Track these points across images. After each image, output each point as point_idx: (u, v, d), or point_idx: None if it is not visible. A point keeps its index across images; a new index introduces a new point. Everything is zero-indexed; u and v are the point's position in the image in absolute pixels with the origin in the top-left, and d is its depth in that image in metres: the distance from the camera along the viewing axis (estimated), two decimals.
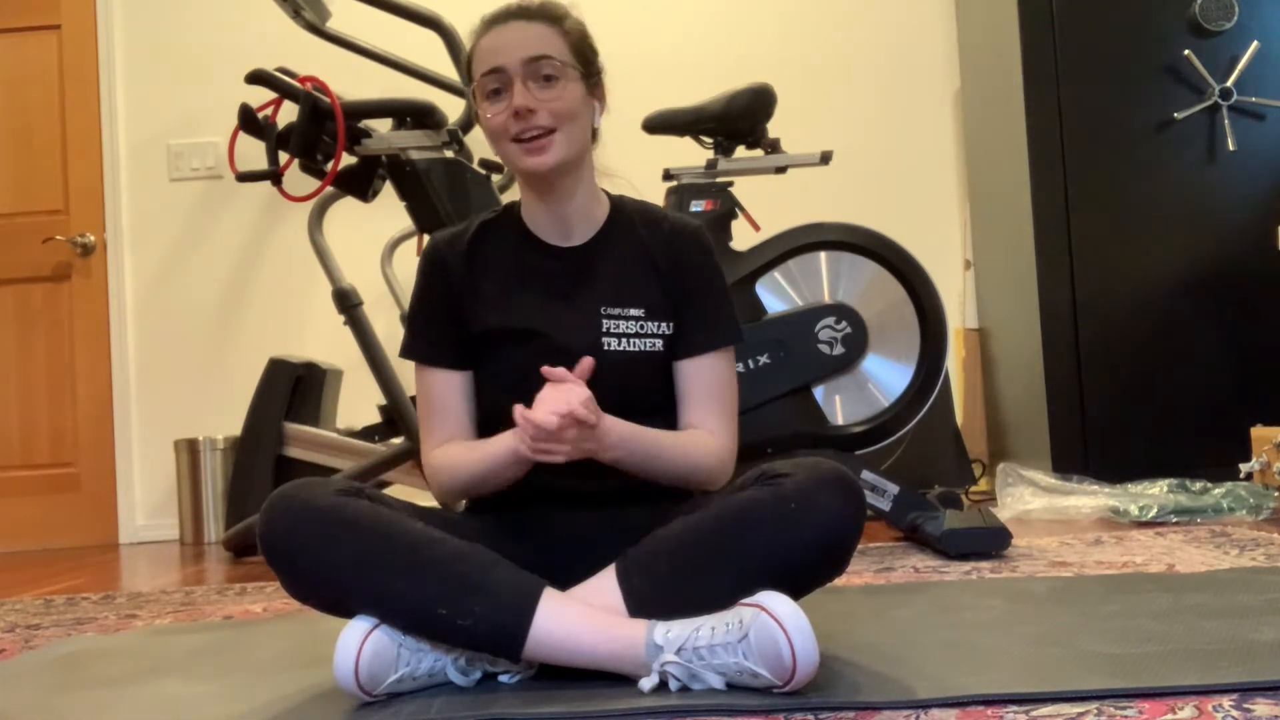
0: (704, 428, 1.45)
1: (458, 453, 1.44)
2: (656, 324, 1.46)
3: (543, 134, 1.40)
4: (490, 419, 1.47)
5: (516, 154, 1.42)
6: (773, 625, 1.12)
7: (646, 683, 1.18)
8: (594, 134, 1.54)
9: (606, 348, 1.43)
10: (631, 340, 1.45)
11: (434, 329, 1.48)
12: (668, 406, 1.48)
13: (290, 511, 1.26)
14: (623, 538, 1.33)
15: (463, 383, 1.49)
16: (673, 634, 1.18)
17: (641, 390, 1.45)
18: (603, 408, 1.33)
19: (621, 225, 1.52)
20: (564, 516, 1.43)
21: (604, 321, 1.45)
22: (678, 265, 1.49)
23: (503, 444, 1.37)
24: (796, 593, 1.23)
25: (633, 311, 1.46)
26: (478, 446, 1.43)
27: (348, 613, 1.25)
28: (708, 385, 1.47)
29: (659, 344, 1.46)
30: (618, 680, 1.21)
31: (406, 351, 1.50)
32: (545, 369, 1.31)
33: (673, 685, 1.17)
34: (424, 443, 1.50)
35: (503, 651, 1.22)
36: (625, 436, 1.35)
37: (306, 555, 1.24)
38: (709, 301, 1.49)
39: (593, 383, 1.34)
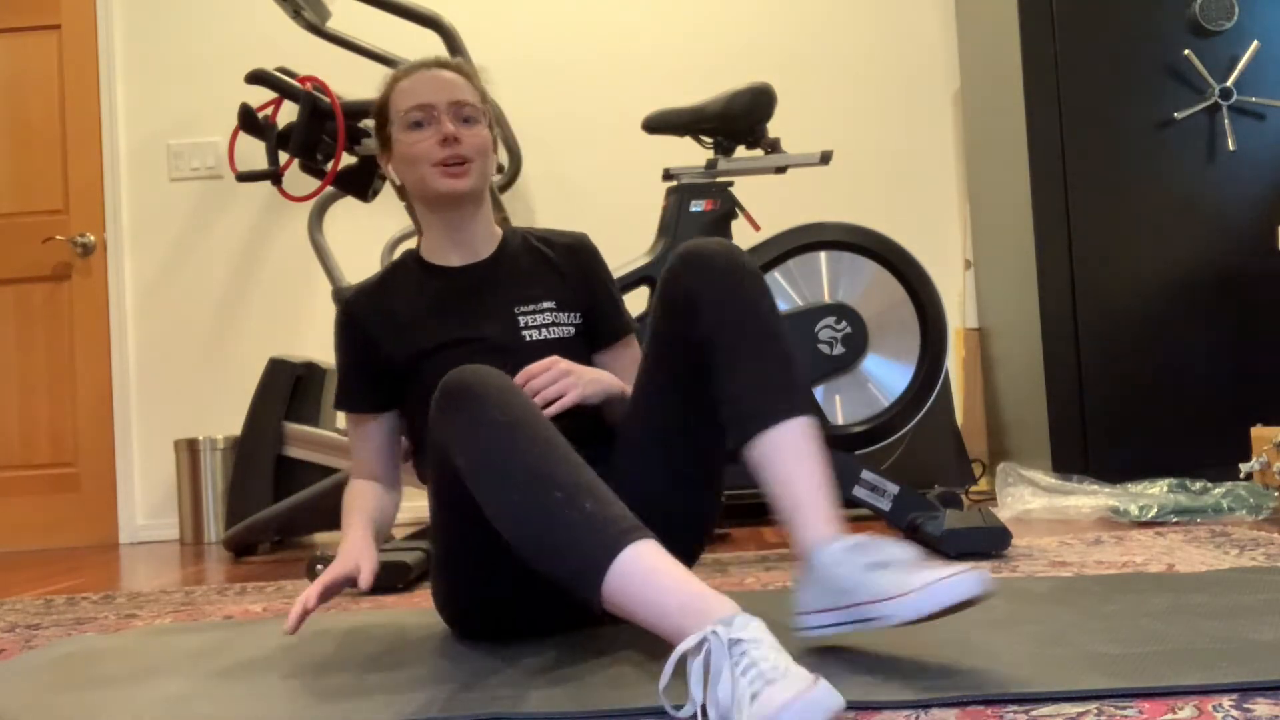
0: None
1: (352, 501, 1.62)
2: (568, 314, 1.64)
3: (463, 162, 1.59)
4: (424, 432, 1.55)
5: (437, 177, 1.58)
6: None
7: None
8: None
9: (528, 339, 1.60)
10: (549, 329, 1.62)
11: (358, 381, 1.65)
12: None
13: (481, 373, 1.31)
14: None
15: (388, 423, 1.67)
16: (752, 628, 1.04)
17: None
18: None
19: (519, 240, 1.71)
20: None
21: (520, 317, 1.62)
22: (577, 268, 1.68)
23: (350, 542, 1.52)
24: None
25: (545, 305, 1.63)
26: (352, 514, 1.59)
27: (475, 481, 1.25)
28: (622, 373, 1.67)
29: (572, 330, 1.64)
30: (618, 681, 1.21)
31: (338, 404, 1.66)
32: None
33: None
34: (353, 468, 1.69)
35: (592, 565, 1.13)
36: (597, 381, 1.54)
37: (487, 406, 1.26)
38: (608, 291, 1.70)
39: (522, 365, 1.53)
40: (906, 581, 1.16)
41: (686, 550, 1.51)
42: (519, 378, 1.48)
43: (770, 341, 1.34)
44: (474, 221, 1.66)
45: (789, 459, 1.28)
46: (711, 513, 1.56)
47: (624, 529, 1.15)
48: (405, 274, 1.68)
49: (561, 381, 1.49)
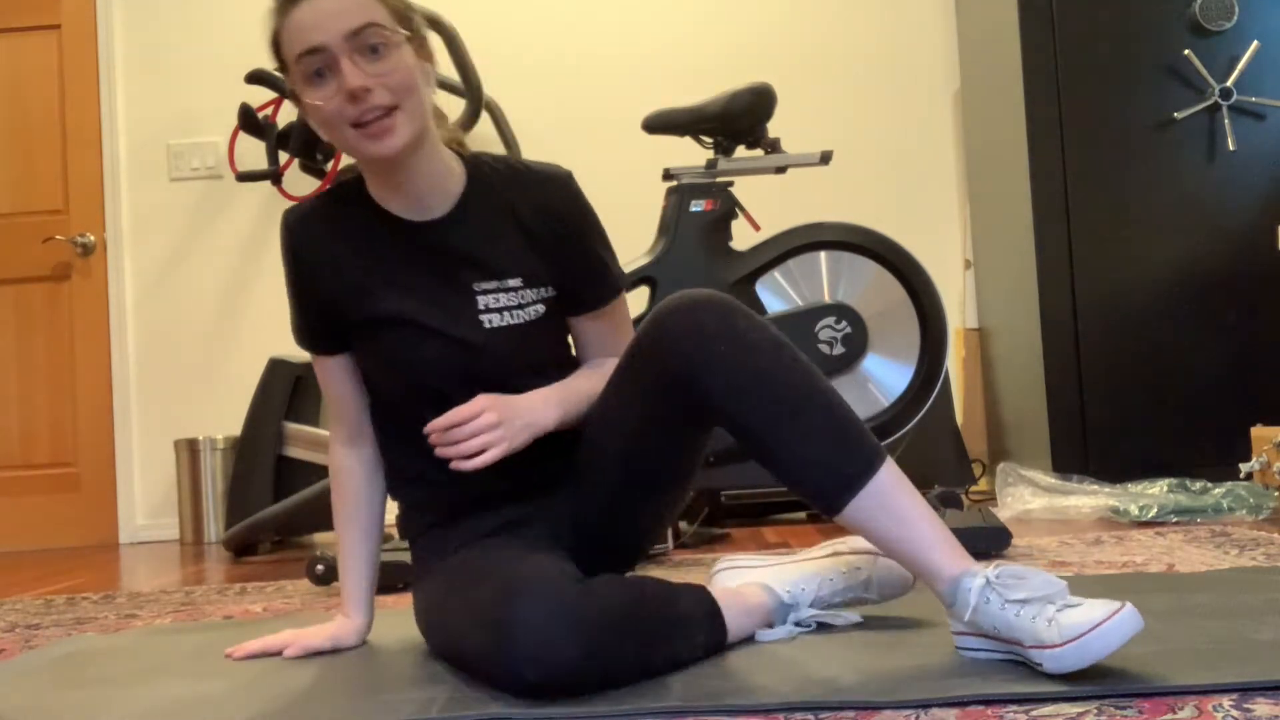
0: (612, 355, 1.47)
1: (340, 508, 1.53)
2: (536, 290, 1.42)
3: (384, 114, 1.29)
4: (378, 406, 1.50)
5: (358, 140, 1.30)
6: (891, 564, 1.41)
7: (781, 631, 1.37)
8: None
9: (487, 325, 1.39)
10: (513, 313, 1.40)
11: (308, 315, 1.47)
12: (562, 358, 1.50)
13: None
14: (551, 486, 1.43)
15: (348, 365, 1.49)
16: (804, 591, 1.40)
17: (533, 356, 1.43)
18: (493, 380, 1.37)
19: (481, 190, 1.42)
20: (498, 509, 1.46)
21: (479, 299, 1.40)
22: (548, 220, 1.41)
23: (346, 614, 1.53)
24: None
25: (510, 282, 1.40)
26: (345, 530, 1.52)
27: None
28: (603, 334, 1.49)
29: (541, 308, 1.42)
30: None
31: (295, 336, 1.51)
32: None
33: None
34: (330, 432, 1.54)
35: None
36: (553, 399, 1.37)
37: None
38: (589, 255, 1.44)
39: (481, 360, 1.39)
40: (1058, 628, 1.08)
41: (620, 567, 1.47)
42: (439, 423, 1.29)
43: (805, 401, 1.22)
44: (420, 174, 1.38)
45: (884, 519, 1.20)
46: (650, 535, 1.49)
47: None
48: (353, 209, 1.43)
49: (485, 435, 1.29)
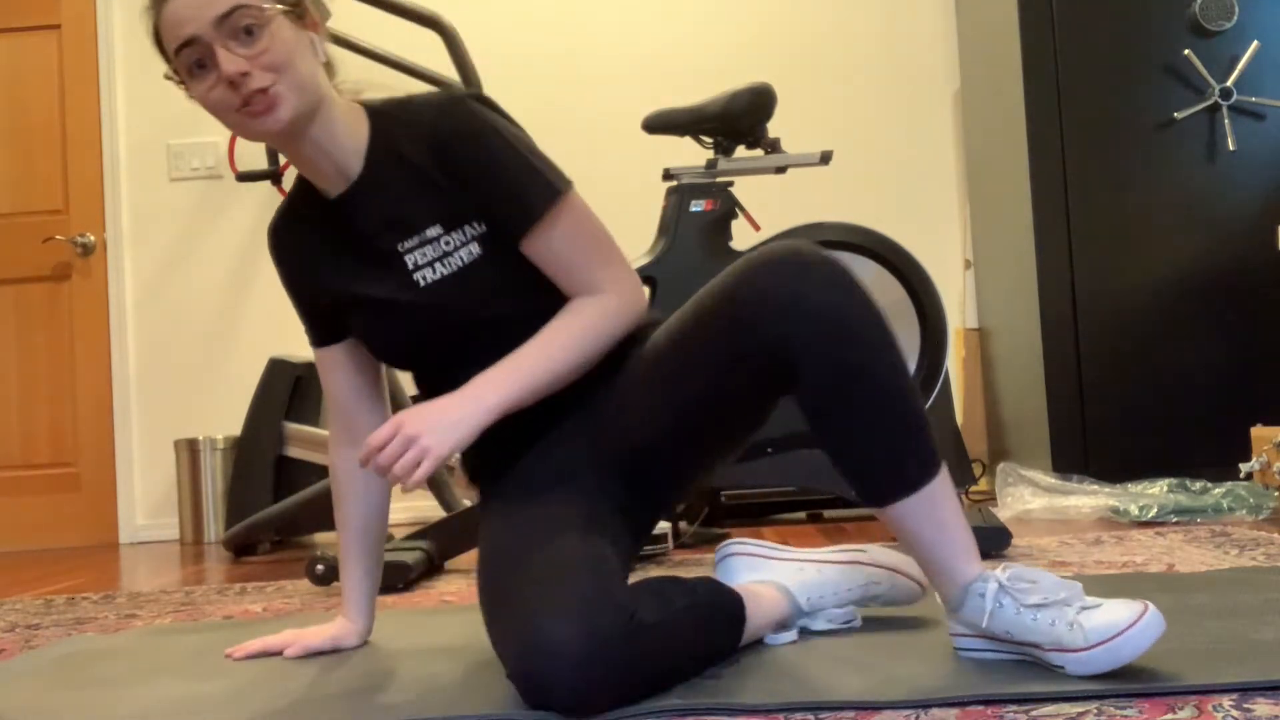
0: (583, 292, 1.35)
1: (340, 506, 1.54)
2: (460, 232, 1.34)
3: (263, 92, 1.26)
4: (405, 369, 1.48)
5: (246, 122, 1.28)
6: (908, 583, 1.44)
7: (790, 635, 1.37)
8: (329, 66, 1.38)
9: (423, 283, 1.35)
10: (443, 262, 1.34)
11: (301, 310, 1.50)
12: (533, 289, 1.37)
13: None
14: (595, 418, 1.37)
15: (341, 358, 1.50)
16: (823, 599, 1.41)
17: (490, 298, 1.35)
18: (459, 334, 1.35)
19: (385, 144, 1.37)
20: (540, 448, 1.41)
21: (406, 259, 1.35)
22: (443, 154, 1.34)
23: (345, 616, 1.54)
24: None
25: (429, 233, 1.35)
26: (344, 532, 1.54)
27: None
28: (561, 254, 1.34)
29: (475, 249, 1.34)
30: None
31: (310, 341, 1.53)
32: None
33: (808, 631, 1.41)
34: (330, 433, 1.56)
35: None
36: (491, 384, 1.26)
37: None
38: (500, 172, 1.33)
39: (431, 318, 1.35)
40: (1082, 631, 1.09)
41: (658, 512, 1.41)
42: (362, 455, 1.22)
43: (889, 402, 1.17)
44: (323, 143, 1.34)
45: (925, 523, 1.19)
46: (688, 488, 1.41)
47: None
48: (308, 201, 1.43)
49: (409, 453, 1.20)
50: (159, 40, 1.31)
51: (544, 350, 1.30)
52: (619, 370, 1.37)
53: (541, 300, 1.36)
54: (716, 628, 1.26)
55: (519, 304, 1.36)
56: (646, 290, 2.88)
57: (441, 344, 1.38)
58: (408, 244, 1.36)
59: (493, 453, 1.43)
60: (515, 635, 1.10)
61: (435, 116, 1.34)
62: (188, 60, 1.27)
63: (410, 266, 1.36)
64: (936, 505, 1.19)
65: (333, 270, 1.41)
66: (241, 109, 1.27)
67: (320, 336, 1.50)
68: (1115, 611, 1.08)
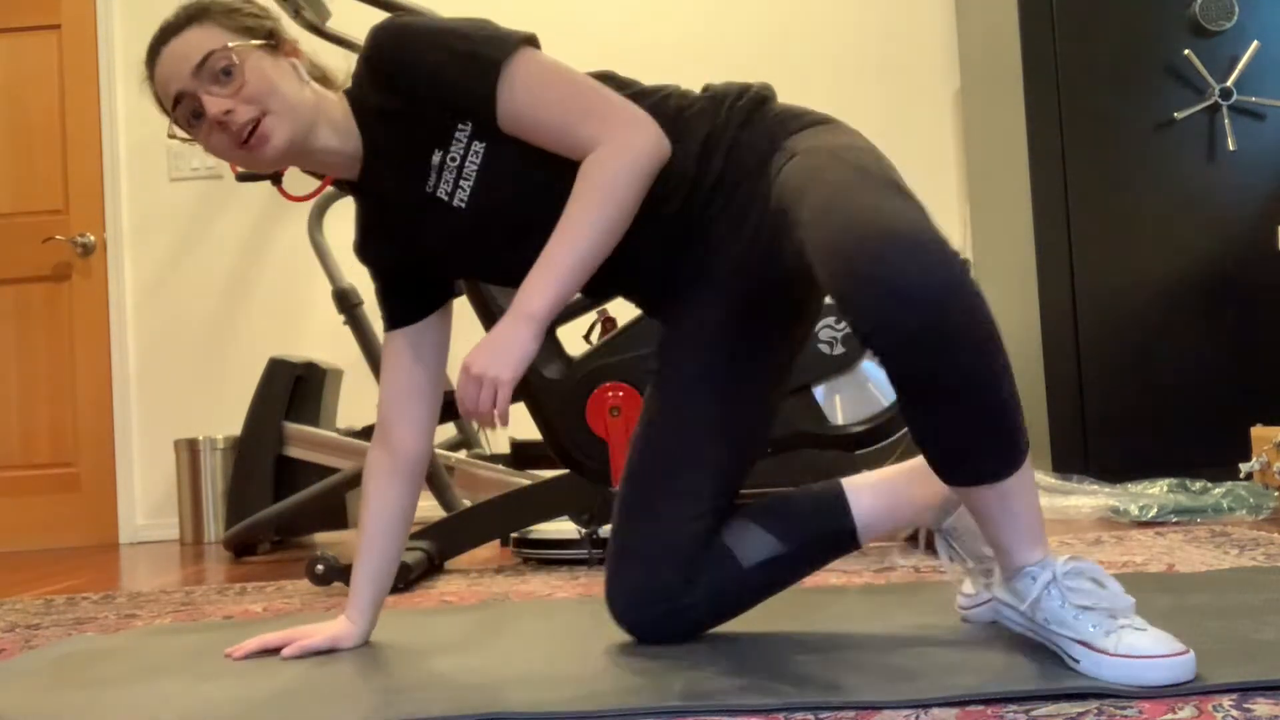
0: (581, 153, 1.32)
1: (362, 504, 1.57)
2: (456, 142, 1.37)
3: (254, 124, 1.33)
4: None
5: (248, 157, 1.36)
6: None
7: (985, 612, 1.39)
8: (326, 78, 1.46)
9: (464, 206, 1.38)
10: (464, 177, 1.38)
11: (384, 287, 1.54)
12: (562, 164, 1.34)
13: None
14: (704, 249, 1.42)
15: (401, 345, 1.52)
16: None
17: (525, 179, 1.37)
18: (519, 226, 1.38)
19: (360, 110, 1.42)
20: (671, 301, 1.48)
21: (437, 194, 1.39)
22: (395, 82, 1.37)
23: (349, 616, 1.55)
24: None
25: (434, 161, 1.38)
26: (361, 530, 1.56)
27: None
28: (537, 122, 1.32)
29: (478, 146, 1.36)
30: (620, 681, 1.21)
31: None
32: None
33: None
34: (378, 410, 1.57)
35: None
36: (536, 287, 1.27)
37: None
38: (441, 72, 1.33)
39: (497, 227, 1.40)
40: (1116, 640, 1.08)
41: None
42: (462, 409, 1.27)
43: (987, 397, 1.10)
44: (328, 150, 1.41)
45: (996, 508, 1.17)
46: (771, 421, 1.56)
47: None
48: (354, 198, 1.55)
49: (484, 392, 1.24)
50: (161, 106, 1.40)
51: (567, 236, 1.29)
52: (745, 216, 1.40)
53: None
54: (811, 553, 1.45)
55: (556, 168, 1.34)
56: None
57: (506, 248, 1.42)
58: (430, 184, 1.40)
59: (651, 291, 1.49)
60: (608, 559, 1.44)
61: (369, 56, 1.39)
62: (184, 115, 1.36)
63: (445, 199, 1.40)
64: (1010, 497, 1.17)
65: (403, 241, 1.48)
66: (240, 146, 1.34)
67: (394, 317, 1.52)
68: (1158, 640, 1.08)
